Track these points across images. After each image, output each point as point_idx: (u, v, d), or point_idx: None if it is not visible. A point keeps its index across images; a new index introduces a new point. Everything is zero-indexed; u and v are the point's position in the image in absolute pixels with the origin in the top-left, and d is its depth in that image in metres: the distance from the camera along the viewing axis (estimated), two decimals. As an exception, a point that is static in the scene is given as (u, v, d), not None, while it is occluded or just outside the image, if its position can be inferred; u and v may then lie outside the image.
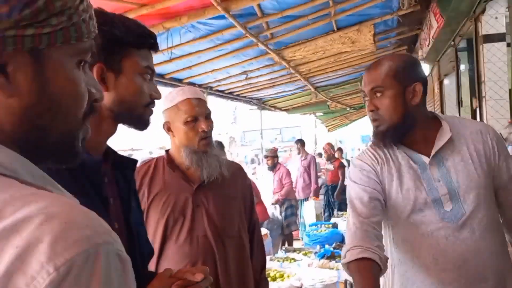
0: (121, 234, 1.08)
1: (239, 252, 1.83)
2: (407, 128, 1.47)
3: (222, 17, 3.68)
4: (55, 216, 0.48)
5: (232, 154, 17.50)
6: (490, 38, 4.11)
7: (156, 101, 1.15)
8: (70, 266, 0.45)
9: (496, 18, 4.06)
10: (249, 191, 2.02)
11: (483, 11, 4.05)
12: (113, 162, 1.14)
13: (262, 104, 9.29)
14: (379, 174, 1.52)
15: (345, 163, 11.23)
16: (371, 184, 1.50)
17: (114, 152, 1.16)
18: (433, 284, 1.42)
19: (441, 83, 7.04)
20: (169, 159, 1.86)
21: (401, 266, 1.49)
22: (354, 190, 1.53)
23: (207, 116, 1.81)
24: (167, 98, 1.83)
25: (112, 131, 1.11)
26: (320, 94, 9.04)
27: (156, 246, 1.70)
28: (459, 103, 5.73)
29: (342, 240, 4.93)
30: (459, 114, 5.78)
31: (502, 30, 4.06)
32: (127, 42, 1.04)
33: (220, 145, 5.13)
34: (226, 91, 7.54)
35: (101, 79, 1.03)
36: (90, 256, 0.47)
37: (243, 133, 25.17)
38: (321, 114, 12.90)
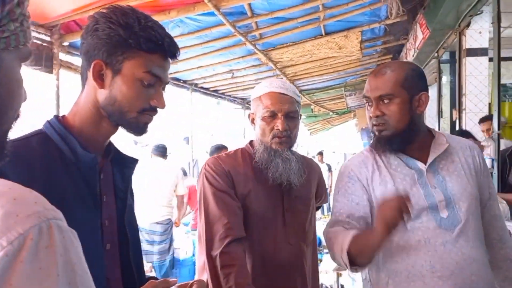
0: (111, 231, 1.08)
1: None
2: (412, 135, 1.50)
3: (212, 14, 3.67)
4: (2, 194, 0.50)
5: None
6: (473, 52, 4.20)
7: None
8: (23, 239, 0.47)
9: (480, 33, 4.15)
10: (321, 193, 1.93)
11: (468, 25, 4.14)
12: (112, 159, 1.13)
13: (246, 103, 9.29)
14: (369, 182, 1.53)
15: (326, 167, 11.35)
16: (358, 197, 1.51)
17: (116, 150, 1.15)
18: None
19: (423, 93, 7.15)
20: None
21: (396, 277, 1.46)
22: (340, 204, 1.55)
23: (289, 114, 1.64)
24: (256, 88, 1.73)
25: (112, 130, 1.09)
26: (304, 97, 9.09)
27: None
28: (439, 113, 5.84)
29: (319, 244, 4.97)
30: (439, 125, 5.89)
31: (485, 44, 4.16)
32: (132, 44, 1.00)
33: (163, 149, 5.06)
34: (211, 89, 7.52)
35: (98, 76, 1.02)
36: (42, 229, 0.49)
37: (225, 132, 25.09)
38: (304, 117, 12.98)
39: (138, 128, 1.07)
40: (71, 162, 1.01)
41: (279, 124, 1.61)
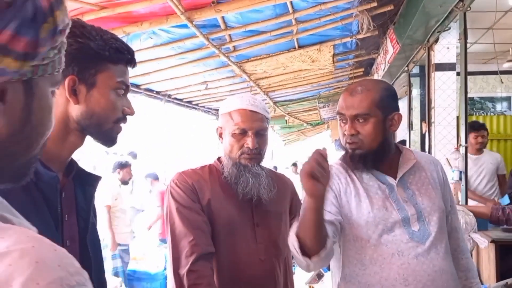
0: (74, 252, 1.04)
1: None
2: (384, 153, 1.55)
3: (185, 26, 3.65)
4: (24, 255, 0.44)
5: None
6: (441, 67, 4.32)
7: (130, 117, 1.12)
8: None
9: (448, 48, 4.28)
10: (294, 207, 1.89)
11: (436, 41, 4.26)
12: (74, 176, 1.10)
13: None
14: (342, 194, 1.55)
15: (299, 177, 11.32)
16: (329, 206, 1.52)
17: (78, 167, 1.12)
18: None
19: (394, 106, 7.30)
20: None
21: None
22: None
23: (259, 132, 1.64)
24: (225, 103, 1.71)
25: (78, 143, 1.08)
26: (278, 109, 9.14)
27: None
28: (410, 126, 5.96)
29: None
30: (409, 137, 6.01)
31: (453, 60, 4.28)
32: (104, 56, 1.02)
33: (133, 155, 5.13)
34: (185, 100, 7.47)
35: (72, 92, 1.01)
36: None
37: (200, 144, 24.97)
38: (279, 128, 13.04)
39: (111, 138, 1.09)
40: (30, 181, 0.97)
41: (249, 142, 1.61)
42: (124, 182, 5.10)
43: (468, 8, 3.42)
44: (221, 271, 1.59)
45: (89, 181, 1.14)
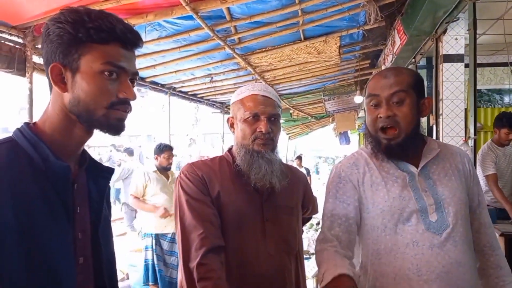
0: (85, 245, 1.04)
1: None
2: (415, 140, 1.50)
3: (190, 17, 3.62)
4: None
5: (192, 156, 17.29)
6: (450, 58, 4.26)
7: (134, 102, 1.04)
8: None
9: (456, 39, 4.22)
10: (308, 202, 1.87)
11: (444, 32, 4.20)
12: (86, 168, 1.08)
13: (225, 108, 9.24)
14: (359, 185, 1.53)
15: (304, 171, 11.35)
16: (350, 198, 1.51)
17: (91, 159, 1.09)
18: None
19: (400, 98, 7.25)
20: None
21: (383, 279, 1.47)
22: (332, 205, 1.54)
23: (271, 117, 1.61)
24: (236, 92, 1.69)
25: (84, 136, 1.03)
26: (283, 102, 9.10)
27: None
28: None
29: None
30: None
31: (462, 51, 4.22)
32: (83, 38, 0.95)
33: (129, 151, 4.99)
34: (190, 93, 7.45)
35: (59, 79, 0.98)
36: None
37: (203, 136, 24.99)
38: (283, 121, 13.01)
39: (110, 125, 1.01)
40: (41, 171, 0.95)
41: (262, 126, 1.58)
42: (163, 169, 4.85)
43: (478, -2, 3.36)
44: (229, 265, 1.55)
45: (102, 173, 1.12)
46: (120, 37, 0.98)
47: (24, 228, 0.89)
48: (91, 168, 1.09)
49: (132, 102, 1.03)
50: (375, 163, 1.55)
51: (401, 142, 1.47)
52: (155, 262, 4.63)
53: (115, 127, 1.01)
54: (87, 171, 1.08)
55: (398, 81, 1.46)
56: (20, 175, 0.93)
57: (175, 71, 5.64)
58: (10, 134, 1.01)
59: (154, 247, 4.65)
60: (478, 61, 3.72)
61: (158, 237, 4.70)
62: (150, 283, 4.63)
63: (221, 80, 6.59)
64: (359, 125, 14.45)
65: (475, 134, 3.72)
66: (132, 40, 1.01)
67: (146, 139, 23.68)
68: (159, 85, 6.32)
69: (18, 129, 1.01)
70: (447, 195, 1.48)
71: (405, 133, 1.46)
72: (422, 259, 1.42)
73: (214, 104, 8.93)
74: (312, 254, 4.49)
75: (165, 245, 4.71)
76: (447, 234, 1.43)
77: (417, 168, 1.51)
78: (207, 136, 24.84)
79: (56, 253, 0.94)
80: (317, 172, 22.85)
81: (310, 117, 12.57)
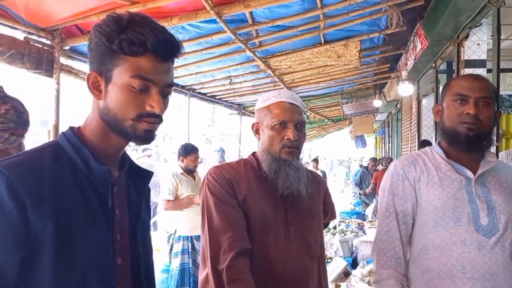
0: (123, 246, 1.07)
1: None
2: (488, 143, 1.61)
3: (213, 21, 3.67)
4: None
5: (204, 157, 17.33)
6: (472, 64, 4.23)
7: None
8: None
9: (479, 44, 4.19)
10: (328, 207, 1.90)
11: (466, 37, 4.17)
12: (126, 171, 1.11)
13: (242, 109, 9.30)
14: (415, 182, 1.61)
15: (321, 174, 11.36)
16: (407, 194, 1.61)
17: (132, 162, 1.13)
18: None
19: (419, 103, 7.20)
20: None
21: (428, 273, 1.55)
22: (389, 201, 1.64)
23: (298, 124, 1.63)
24: (262, 98, 1.70)
25: (121, 141, 1.05)
26: (300, 104, 9.11)
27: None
28: (436, 124, 5.87)
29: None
30: (435, 135, 5.92)
31: (484, 56, 4.19)
32: (115, 50, 0.96)
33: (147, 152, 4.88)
34: (208, 94, 7.52)
35: (95, 87, 1.01)
36: None
37: (221, 137, 25.09)
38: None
39: (137, 136, 1.01)
40: (83, 175, 0.99)
41: (290, 134, 1.59)
42: (189, 171, 4.68)
43: (503, 4, 3.33)
44: (254, 268, 1.56)
45: (141, 176, 1.15)
46: (153, 50, 0.97)
47: (64, 228, 0.92)
48: (131, 171, 1.13)
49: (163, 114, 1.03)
50: (433, 164, 1.63)
51: (480, 135, 1.56)
52: (190, 265, 4.54)
53: (143, 138, 1.02)
54: (127, 174, 1.12)
55: (487, 87, 1.59)
56: (63, 179, 0.96)
57: (196, 73, 5.71)
58: (49, 128, 1.06)
59: (190, 251, 4.55)
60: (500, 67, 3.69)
61: (193, 240, 4.60)
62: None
63: (240, 82, 6.64)
64: (375, 129, 14.37)
65: (497, 141, 3.69)
66: (165, 53, 1.00)
67: (162, 139, 23.89)
68: (180, 86, 6.40)
69: (63, 133, 1.05)
70: (500, 203, 1.53)
71: (484, 131, 1.56)
72: (468, 258, 1.47)
73: (232, 106, 8.99)
74: (330, 258, 4.49)
75: (198, 245, 4.58)
76: (496, 238, 1.48)
77: (474, 175, 1.57)
78: (225, 137, 24.90)
79: (95, 254, 0.97)
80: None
81: (326, 120, 12.55)
